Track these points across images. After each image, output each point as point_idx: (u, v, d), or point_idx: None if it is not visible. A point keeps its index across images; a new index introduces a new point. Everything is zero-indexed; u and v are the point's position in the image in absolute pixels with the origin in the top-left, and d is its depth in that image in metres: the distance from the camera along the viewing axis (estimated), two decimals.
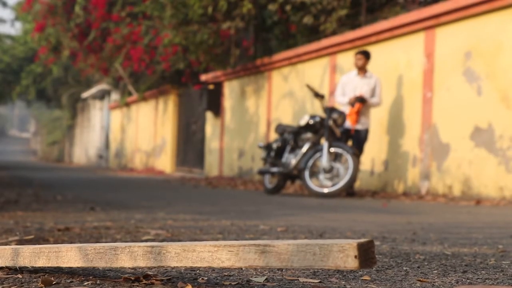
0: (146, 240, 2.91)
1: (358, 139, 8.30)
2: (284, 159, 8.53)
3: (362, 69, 8.36)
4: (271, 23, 12.99)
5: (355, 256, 1.36)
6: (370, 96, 8.33)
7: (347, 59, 9.67)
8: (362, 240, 1.38)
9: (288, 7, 10.79)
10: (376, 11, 10.72)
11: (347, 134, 8.27)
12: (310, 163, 7.98)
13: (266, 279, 1.87)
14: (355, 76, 8.46)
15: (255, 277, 1.91)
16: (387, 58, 8.84)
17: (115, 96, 24.49)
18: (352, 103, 8.18)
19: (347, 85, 8.47)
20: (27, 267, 1.99)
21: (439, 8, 7.82)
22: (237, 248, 1.50)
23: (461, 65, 7.58)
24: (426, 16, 7.98)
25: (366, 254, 1.37)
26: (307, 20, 10.59)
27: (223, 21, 11.47)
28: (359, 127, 8.30)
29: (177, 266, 1.72)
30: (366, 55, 8.39)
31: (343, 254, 1.36)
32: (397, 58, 8.70)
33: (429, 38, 8.09)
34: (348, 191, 7.96)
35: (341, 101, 8.49)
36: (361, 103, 8.14)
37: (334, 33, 10.46)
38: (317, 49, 10.30)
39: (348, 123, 8.26)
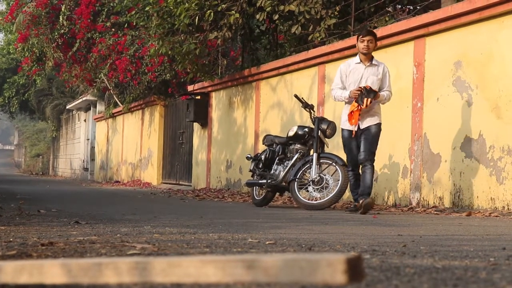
0: (132, 255, 2.80)
1: (366, 138, 6.99)
2: (272, 171, 8.44)
3: (368, 55, 7.05)
4: (258, 32, 12.96)
5: (344, 271, 1.34)
6: (378, 89, 7.06)
7: (336, 69, 9.60)
8: (351, 254, 1.36)
9: (275, 17, 10.73)
10: (365, 21, 10.70)
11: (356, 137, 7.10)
12: (299, 174, 7.89)
13: None
14: (357, 63, 7.09)
15: None
16: None
17: (100, 107, 24.36)
18: (359, 99, 6.85)
19: (349, 76, 7.10)
20: (9, 284, 1.89)
21: (429, 17, 7.79)
22: (224, 263, 1.47)
23: (451, 74, 7.54)
24: (416, 25, 7.94)
25: (354, 268, 1.35)
26: (295, 29, 10.54)
27: (210, 31, 11.41)
28: (366, 124, 7.02)
29: (162, 282, 1.64)
30: (376, 37, 7.06)
31: (331, 269, 1.35)
32: None
33: (419, 47, 8.05)
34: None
35: (341, 96, 7.09)
36: (371, 98, 6.84)
37: (322, 42, 10.41)
38: (305, 59, 10.24)
39: (348, 125, 7.07)
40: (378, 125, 7.05)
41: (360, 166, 7.08)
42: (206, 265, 1.49)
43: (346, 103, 7.16)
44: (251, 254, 2.85)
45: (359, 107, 6.90)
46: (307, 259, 1.37)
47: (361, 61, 7.07)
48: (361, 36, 7.05)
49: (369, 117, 7.03)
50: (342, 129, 7.23)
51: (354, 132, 7.02)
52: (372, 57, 7.08)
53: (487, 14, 7.01)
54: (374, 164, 7.09)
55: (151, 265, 1.57)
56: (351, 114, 6.96)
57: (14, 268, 1.82)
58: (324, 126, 7.93)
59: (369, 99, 6.82)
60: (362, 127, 7.04)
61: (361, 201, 6.89)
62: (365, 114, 7.00)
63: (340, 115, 7.74)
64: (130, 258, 1.66)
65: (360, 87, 6.88)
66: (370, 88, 6.88)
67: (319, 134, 7.88)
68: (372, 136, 7.00)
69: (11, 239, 3.52)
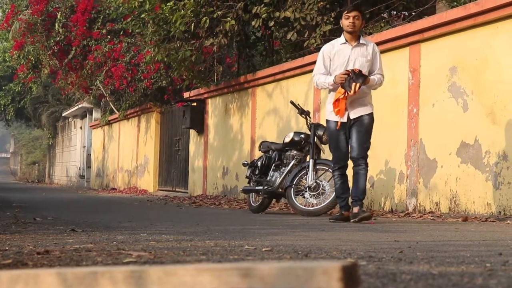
0: (128, 263, 2.79)
1: (359, 131, 6.10)
2: (269, 177, 8.44)
3: (354, 34, 6.14)
4: (254, 39, 12.97)
5: (339, 279, 1.36)
6: (368, 72, 6.16)
7: None
8: (346, 261, 1.38)
9: (271, 23, 10.75)
10: None
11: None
12: (296, 181, 7.89)
13: None
14: (342, 44, 6.16)
15: None
16: None
17: (96, 114, 24.34)
18: (346, 85, 5.87)
19: (333, 59, 6.15)
20: None
21: (424, 23, 7.81)
22: (220, 271, 1.48)
23: (447, 80, 7.55)
24: (411, 31, 7.96)
25: (350, 276, 1.37)
26: (291, 36, 10.56)
27: (206, 37, 11.42)
28: (357, 113, 6.12)
29: None
30: (363, 14, 6.21)
31: (327, 276, 1.36)
32: None
33: (414, 53, 8.07)
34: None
35: (324, 83, 6.10)
36: (361, 82, 5.88)
37: (318, 49, 10.42)
38: (301, 65, 10.25)
39: (334, 116, 6.10)
40: (371, 115, 6.17)
41: (352, 165, 6.24)
42: (201, 273, 1.49)
43: (330, 91, 6.22)
44: (247, 261, 2.84)
45: (346, 94, 5.96)
46: (303, 267, 1.38)
47: (346, 41, 6.13)
48: (345, 12, 6.12)
49: (360, 106, 6.13)
50: (328, 121, 6.30)
51: (339, 123, 6.09)
52: (359, 36, 6.18)
53: (482, 20, 7.03)
54: (368, 162, 6.24)
55: (146, 273, 1.57)
56: (336, 103, 6.04)
57: (10, 278, 1.80)
58: (320, 132, 7.94)
59: (358, 84, 5.86)
60: (352, 117, 6.12)
61: (355, 209, 6.14)
62: (355, 102, 6.09)
63: None
64: (125, 267, 1.66)
65: (348, 71, 5.92)
66: (359, 71, 5.93)
67: (315, 140, 7.89)
68: (365, 128, 6.13)
69: (7, 248, 3.51)
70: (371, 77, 6.16)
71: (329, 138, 6.41)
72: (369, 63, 6.17)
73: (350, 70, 5.94)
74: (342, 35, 6.22)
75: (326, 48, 6.27)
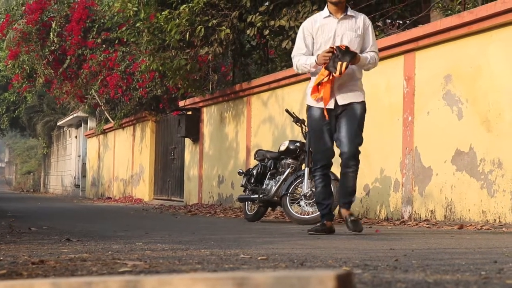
0: (123, 272, 2.79)
1: (350, 121, 5.09)
2: (264, 186, 8.44)
3: (340, 5, 5.11)
4: (249, 48, 12.99)
5: None
6: (359, 50, 5.17)
7: None
8: (341, 270, 1.39)
9: (266, 32, 10.78)
10: None
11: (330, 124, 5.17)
12: (291, 189, 7.89)
13: None
14: (326, 17, 5.13)
15: None
16: (367, 81, 8.77)
17: (91, 123, 24.33)
18: (330, 65, 4.87)
19: (316, 36, 5.11)
20: None
21: (418, 31, 7.84)
22: (214, 281, 1.49)
23: (441, 88, 7.57)
24: (405, 39, 7.99)
25: (345, 285, 1.37)
26: (286, 44, 10.58)
27: (201, 46, 11.43)
28: (347, 100, 5.13)
29: None
30: None
31: (322, 286, 1.37)
32: (376, 81, 8.68)
33: (409, 61, 8.09)
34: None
35: (305, 65, 5.08)
36: (348, 61, 4.88)
37: None
38: (296, 74, 10.26)
39: (316, 102, 5.07)
40: (363, 104, 5.20)
41: (341, 164, 5.28)
42: (196, 283, 1.49)
43: (313, 74, 5.18)
44: (242, 271, 2.83)
45: (331, 76, 4.94)
46: (297, 276, 1.38)
47: (331, 13, 5.12)
48: None
49: (350, 91, 5.15)
50: (310, 107, 5.23)
51: (326, 111, 5.05)
52: (347, 7, 5.16)
53: (476, 28, 7.06)
54: (359, 159, 5.26)
55: (141, 283, 1.57)
56: (318, 87, 4.98)
57: None
58: None
59: (344, 64, 4.86)
60: (341, 103, 5.11)
61: (343, 211, 5.47)
62: (344, 87, 5.11)
63: None
64: (120, 277, 1.66)
65: (332, 47, 4.92)
66: (347, 47, 4.94)
67: (310, 148, 7.89)
68: (357, 120, 5.14)
69: (1, 258, 3.49)
70: (363, 55, 5.14)
71: (310, 129, 5.42)
72: (359, 39, 5.15)
73: (335, 47, 4.94)
74: (326, 8, 5.20)
75: (307, 23, 5.21)
